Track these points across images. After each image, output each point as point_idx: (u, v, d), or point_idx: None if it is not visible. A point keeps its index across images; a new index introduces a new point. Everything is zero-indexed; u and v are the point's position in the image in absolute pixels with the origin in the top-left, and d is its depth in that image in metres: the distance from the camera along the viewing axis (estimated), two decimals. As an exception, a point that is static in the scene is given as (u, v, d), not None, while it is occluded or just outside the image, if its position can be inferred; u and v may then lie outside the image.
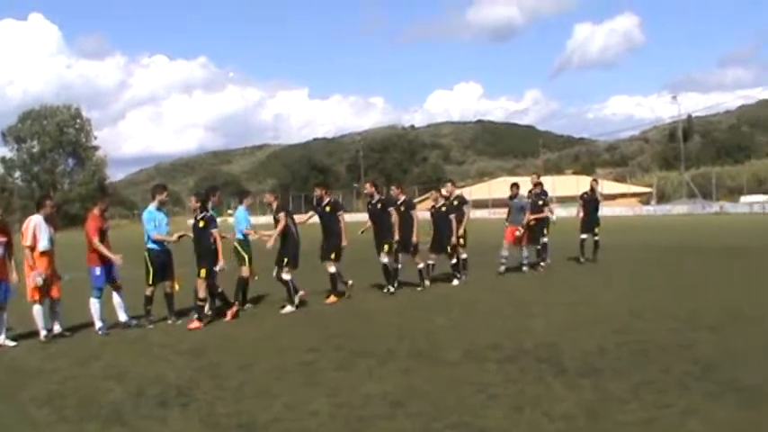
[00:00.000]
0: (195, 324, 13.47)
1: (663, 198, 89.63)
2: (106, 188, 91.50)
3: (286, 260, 14.98)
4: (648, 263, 22.94)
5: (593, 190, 22.92)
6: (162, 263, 13.82)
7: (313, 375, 9.57)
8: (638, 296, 15.40)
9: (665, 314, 13.02)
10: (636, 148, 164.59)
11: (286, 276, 14.93)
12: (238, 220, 15.59)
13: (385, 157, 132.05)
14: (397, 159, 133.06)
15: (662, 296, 15.36)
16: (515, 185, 20.74)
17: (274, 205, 15.36)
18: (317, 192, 16.37)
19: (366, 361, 10.20)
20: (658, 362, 9.53)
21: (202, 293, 13.61)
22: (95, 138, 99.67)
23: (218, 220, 14.84)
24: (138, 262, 14.24)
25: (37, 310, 12.56)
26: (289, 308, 14.84)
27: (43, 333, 12.60)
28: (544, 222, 21.22)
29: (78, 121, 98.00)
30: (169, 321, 13.96)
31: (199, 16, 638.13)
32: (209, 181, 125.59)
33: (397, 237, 16.81)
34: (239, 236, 15.36)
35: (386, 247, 16.68)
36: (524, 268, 20.37)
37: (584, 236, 22.29)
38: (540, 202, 21.23)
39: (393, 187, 18.23)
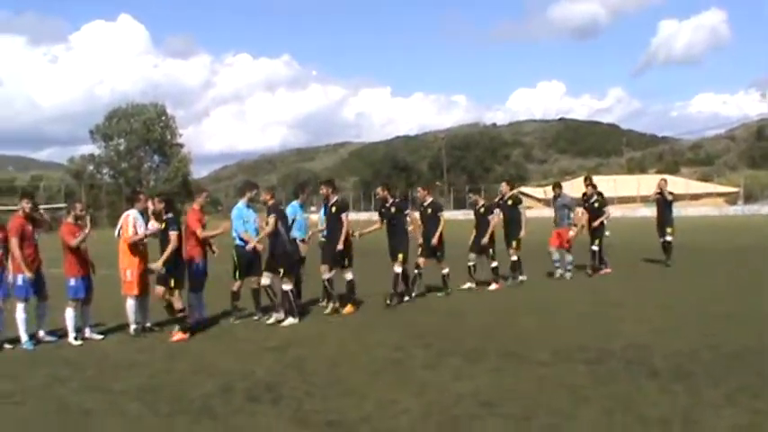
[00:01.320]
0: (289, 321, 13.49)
1: (750, 198, 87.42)
2: (190, 184, 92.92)
3: (282, 270, 13.54)
4: (737, 263, 22.25)
5: (661, 191, 21.59)
6: (248, 259, 13.80)
7: (402, 374, 9.49)
8: (727, 298, 14.95)
9: (758, 316, 12.61)
10: (722, 146, 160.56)
11: (286, 286, 13.54)
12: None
13: (467, 155, 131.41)
14: (479, 157, 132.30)
15: (752, 298, 14.88)
16: (557, 185, 19.90)
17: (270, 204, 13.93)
18: (323, 190, 14.71)
19: (454, 360, 10.08)
20: (753, 366, 9.24)
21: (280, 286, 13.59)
22: (180, 135, 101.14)
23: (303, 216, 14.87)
24: (222, 258, 14.39)
25: (131, 304, 12.71)
26: (290, 319, 13.47)
27: (133, 327, 12.75)
28: (600, 230, 20.01)
29: (163, 118, 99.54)
30: (255, 318, 13.96)
31: (283, 15, 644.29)
32: (291, 178, 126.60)
33: (420, 240, 16.22)
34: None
35: (400, 256, 15.38)
36: (566, 274, 19.02)
37: (662, 237, 21.41)
38: (597, 205, 19.98)
39: (419, 189, 17.24)
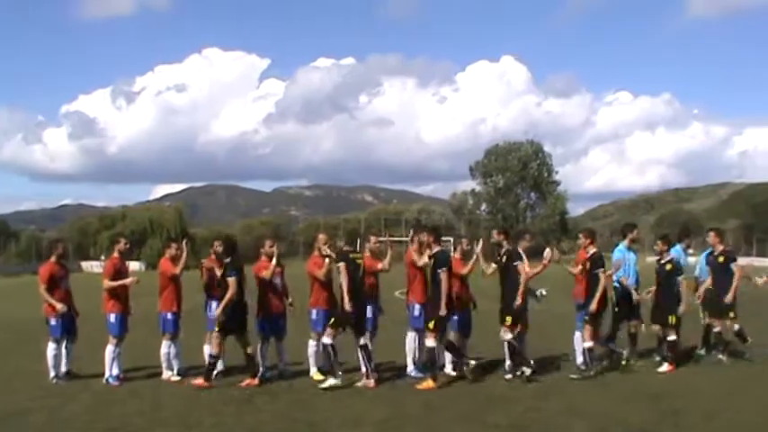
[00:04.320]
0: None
1: None
2: (567, 222, 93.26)
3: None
4: None
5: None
6: (628, 302, 13.35)
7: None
8: None
9: None
10: None
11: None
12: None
13: None
14: None
15: None
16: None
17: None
18: (424, 238, 12.50)
19: None
20: None
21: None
22: (557, 172, 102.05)
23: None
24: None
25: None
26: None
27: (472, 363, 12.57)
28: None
29: (540, 155, 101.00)
30: (631, 362, 13.46)
31: (664, 53, 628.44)
32: (669, 218, 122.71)
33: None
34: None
35: (508, 319, 12.44)
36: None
37: None
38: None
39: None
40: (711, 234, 14.47)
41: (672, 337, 13.14)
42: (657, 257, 13.84)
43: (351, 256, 11.93)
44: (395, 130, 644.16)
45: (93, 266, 64.80)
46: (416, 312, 12.44)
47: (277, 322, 12.51)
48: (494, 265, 12.84)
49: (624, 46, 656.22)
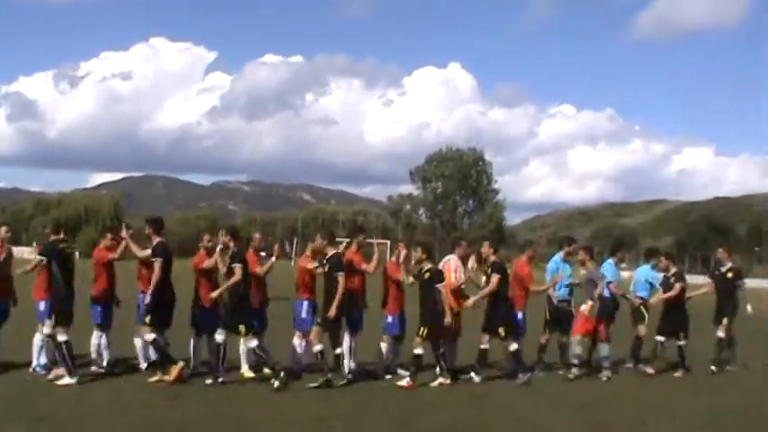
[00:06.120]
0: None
1: None
2: (504, 230, 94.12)
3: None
4: None
5: (719, 263, 15.75)
6: (561, 314, 13.70)
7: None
8: None
9: None
10: None
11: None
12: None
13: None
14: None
15: None
16: (585, 250, 14.37)
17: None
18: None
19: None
20: None
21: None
22: (496, 181, 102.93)
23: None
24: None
25: None
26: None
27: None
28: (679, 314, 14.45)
29: (480, 164, 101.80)
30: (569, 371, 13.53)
31: (608, 70, 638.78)
32: (605, 232, 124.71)
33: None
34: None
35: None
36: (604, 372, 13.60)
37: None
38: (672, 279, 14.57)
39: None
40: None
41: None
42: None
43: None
44: (339, 131, 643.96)
45: (24, 252, 63.61)
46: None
47: (211, 317, 12.34)
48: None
49: (571, 61, 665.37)
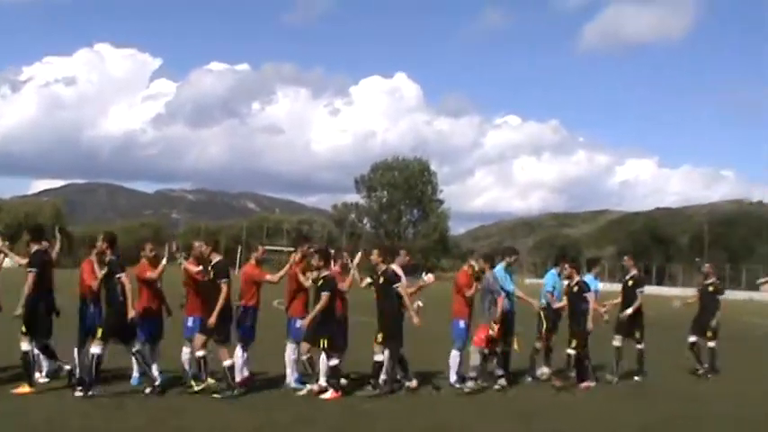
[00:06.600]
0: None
1: None
2: (447, 240, 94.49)
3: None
4: None
5: (706, 277, 16.70)
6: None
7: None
8: None
9: None
10: None
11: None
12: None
13: (729, 233, 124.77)
14: (743, 236, 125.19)
15: None
16: (487, 258, 13.92)
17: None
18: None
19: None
20: None
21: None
22: (441, 191, 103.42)
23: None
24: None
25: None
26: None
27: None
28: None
29: (426, 174, 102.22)
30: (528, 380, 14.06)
31: (554, 81, 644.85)
32: (548, 242, 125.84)
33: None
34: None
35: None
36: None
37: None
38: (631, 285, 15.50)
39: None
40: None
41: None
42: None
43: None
44: (285, 139, 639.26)
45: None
46: (297, 324, 12.39)
47: (155, 325, 12.31)
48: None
49: (516, 72, 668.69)
